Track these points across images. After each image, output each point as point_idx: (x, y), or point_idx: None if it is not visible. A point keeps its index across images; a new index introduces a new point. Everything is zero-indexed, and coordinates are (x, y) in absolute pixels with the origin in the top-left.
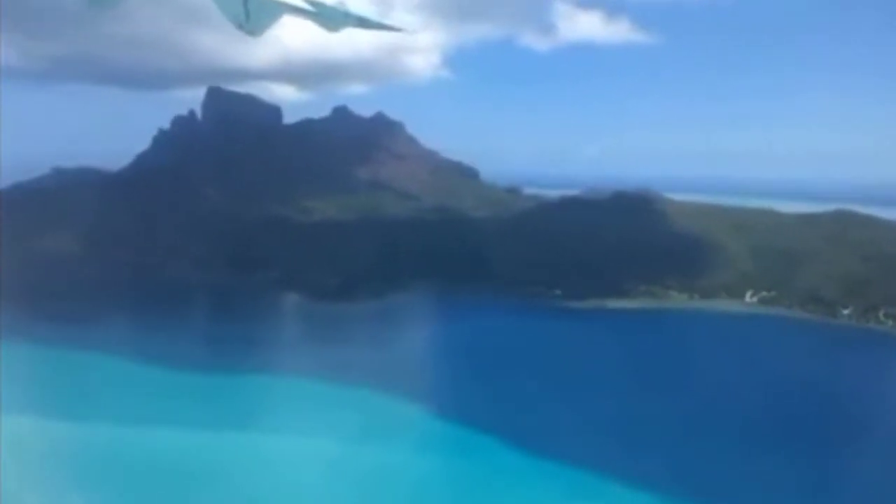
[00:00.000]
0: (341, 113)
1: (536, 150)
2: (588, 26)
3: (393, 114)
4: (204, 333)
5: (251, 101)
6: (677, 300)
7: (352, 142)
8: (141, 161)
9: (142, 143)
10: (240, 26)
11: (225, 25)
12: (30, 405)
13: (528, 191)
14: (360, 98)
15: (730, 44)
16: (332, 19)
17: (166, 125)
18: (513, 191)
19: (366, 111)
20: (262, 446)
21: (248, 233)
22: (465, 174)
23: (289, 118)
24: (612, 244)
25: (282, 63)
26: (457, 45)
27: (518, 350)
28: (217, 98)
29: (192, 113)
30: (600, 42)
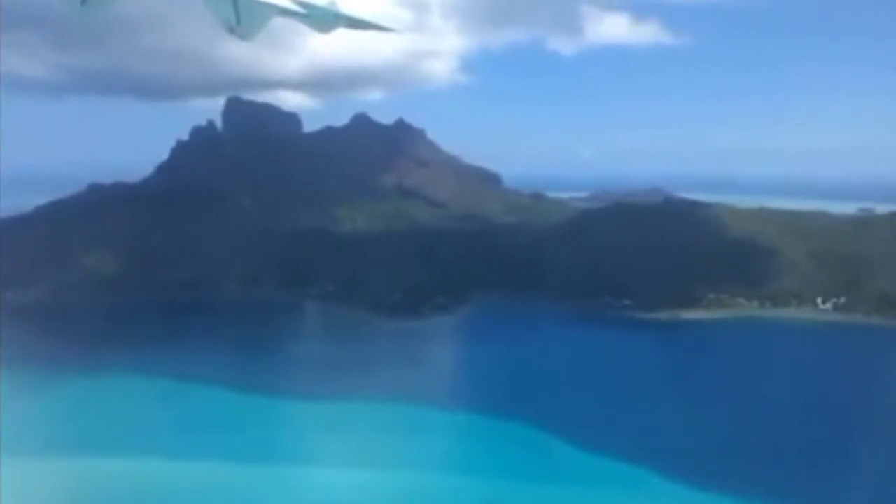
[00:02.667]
0: (361, 120)
1: (558, 153)
2: (616, 28)
3: (412, 119)
4: (273, 355)
5: (270, 111)
6: (748, 308)
7: (374, 149)
8: (168, 174)
9: (162, 155)
10: (231, 30)
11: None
12: (80, 431)
13: (552, 195)
14: (376, 104)
15: (759, 43)
16: (323, 21)
17: (185, 136)
18: (537, 196)
19: (383, 118)
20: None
21: (290, 245)
22: (488, 179)
23: (307, 126)
24: (672, 251)
25: (296, 72)
26: (483, 48)
27: (606, 364)
28: (236, 108)
29: (211, 123)
30: (628, 44)
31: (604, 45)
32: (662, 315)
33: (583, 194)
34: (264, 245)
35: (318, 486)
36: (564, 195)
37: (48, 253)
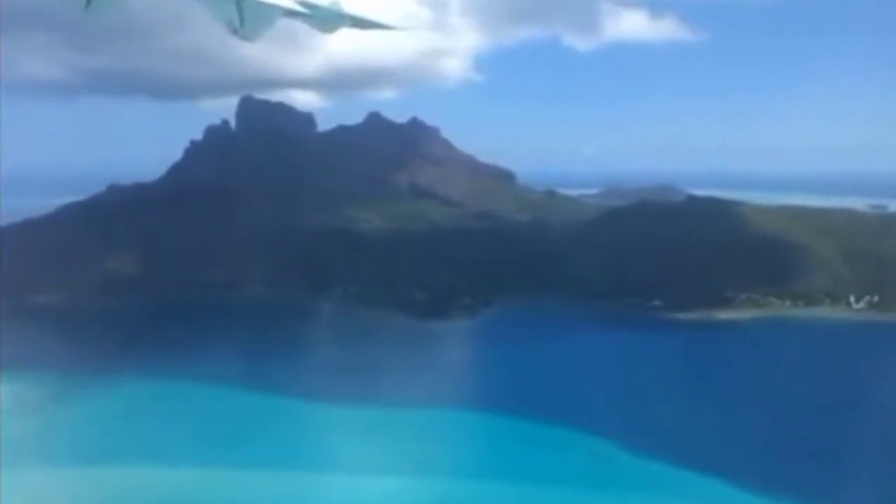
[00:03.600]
0: (375, 119)
1: (569, 150)
2: (633, 25)
3: (426, 118)
4: (302, 359)
5: (284, 110)
6: (781, 308)
7: (388, 148)
8: (182, 174)
9: (176, 155)
10: (234, 31)
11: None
12: (103, 438)
13: (565, 192)
14: (390, 103)
15: (779, 40)
16: (327, 21)
17: (199, 136)
18: (550, 193)
19: (397, 116)
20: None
21: (310, 245)
22: (502, 177)
23: (320, 126)
24: (698, 250)
25: (310, 71)
26: (498, 46)
27: (646, 366)
28: (250, 107)
29: (225, 123)
30: (644, 41)
31: (620, 41)
32: (696, 315)
33: (593, 191)
34: (283, 246)
35: (352, 493)
36: (574, 192)
37: (67, 255)
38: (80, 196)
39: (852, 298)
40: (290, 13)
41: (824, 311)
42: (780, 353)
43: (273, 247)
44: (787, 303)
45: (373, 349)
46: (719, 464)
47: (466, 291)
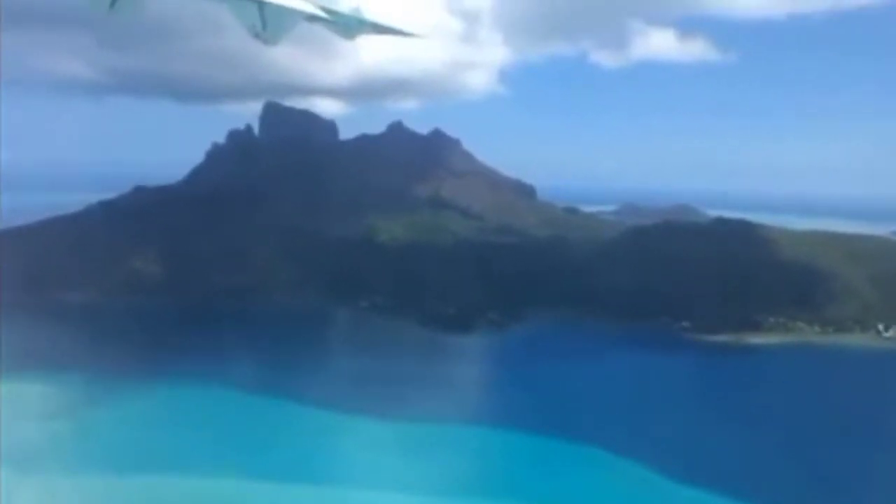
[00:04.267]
0: (397, 129)
1: (583, 167)
2: (661, 43)
3: (448, 130)
4: (332, 368)
5: (307, 117)
6: (810, 334)
7: (410, 159)
8: (205, 177)
9: (199, 158)
10: (256, 35)
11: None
12: (125, 444)
13: (587, 209)
14: (412, 113)
15: (807, 63)
16: (348, 27)
17: (222, 139)
18: (571, 210)
19: (419, 127)
20: None
21: (334, 254)
22: (522, 192)
23: (343, 134)
24: (726, 272)
25: (334, 78)
26: (525, 60)
27: (678, 388)
28: (273, 113)
29: (248, 128)
30: (672, 60)
31: (647, 60)
32: (726, 338)
33: (610, 208)
34: (305, 253)
35: None
36: (592, 209)
37: (92, 255)
38: (103, 194)
39: (881, 326)
40: (312, 18)
41: (854, 339)
42: (811, 380)
43: (295, 254)
44: (817, 328)
45: (400, 361)
46: (749, 488)
47: (493, 306)
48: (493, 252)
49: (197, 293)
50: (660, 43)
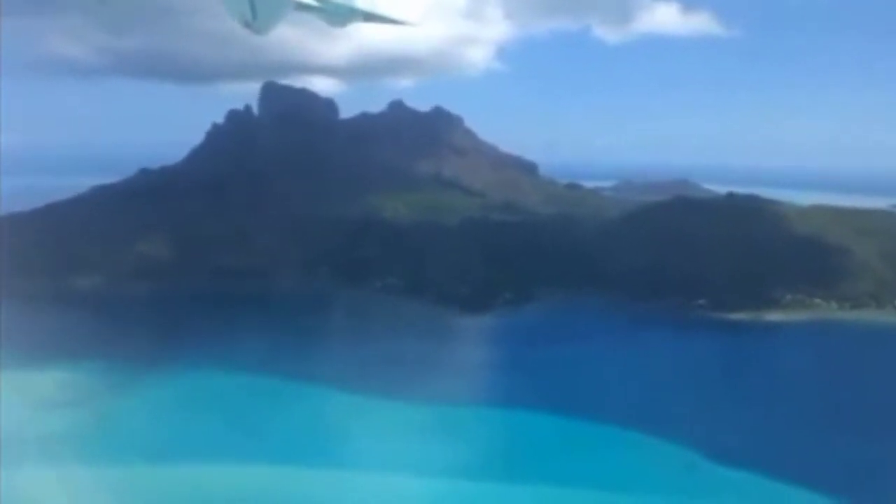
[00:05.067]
0: (397, 107)
1: (593, 142)
2: (665, 18)
3: (449, 107)
4: (353, 352)
5: (306, 96)
6: (827, 310)
7: (411, 137)
8: (205, 158)
9: (198, 138)
10: (246, 24)
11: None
12: (141, 433)
13: (589, 185)
14: (413, 91)
15: (811, 38)
16: (339, 14)
17: (221, 119)
18: (573, 186)
19: (420, 105)
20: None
21: (341, 234)
22: (524, 169)
23: (342, 112)
24: (740, 249)
25: (333, 57)
26: (529, 36)
27: (701, 367)
28: (273, 93)
29: (247, 108)
30: (676, 34)
31: (650, 34)
32: (744, 316)
33: (609, 183)
34: (314, 234)
35: (387, 489)
36: (590, 184)
37: (96, 240)
38: (102, 177)
39: None
40: (302, 6)
41: (871, 315)
42: (837, 358)
43: (302, 234)
44: (834, 305)
45: (421, 343)
46: (769, 466)
47: (507, 286)
48: (503, 231)
49: (205, 276)
50: (664, 17)
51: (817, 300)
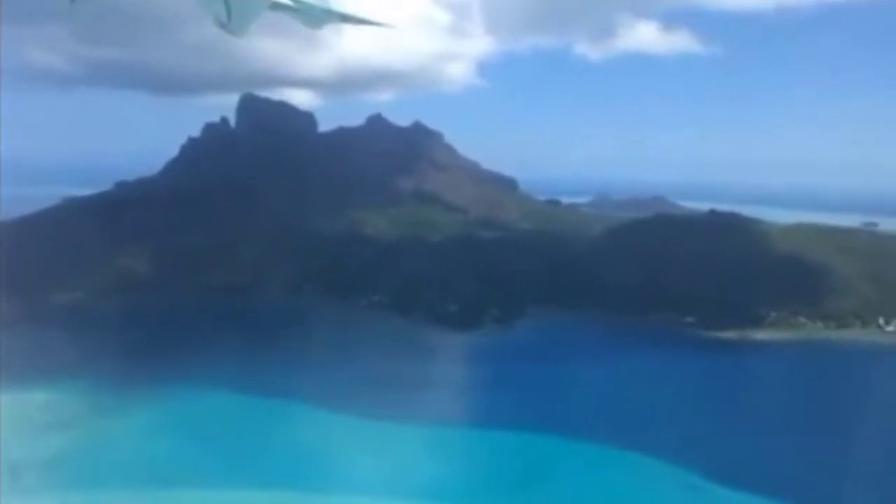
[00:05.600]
0: (377, 121)
1: (573, 159)
2: (645, 36)
3: (429, 122)
4: (342, 372)
5: (285, 109)
6: (813, 329)
7: (391, 151)
8: (181, 170)
9: (173, 150)
10: (222, 25)
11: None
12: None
13: (566, 200)
14: (392, 105)
15: (797, 55)
16: (314, 16)
17: (197, 132)
18: (553, 202)
19: (399, 119)
20: None
21: (320, 250)
22: (505, 185)
23: (321, 126)
24: (724, 266)
25: (313, 70)
26: (509, 52)
27: (693, 387)
28: (251, 105)
29: (225, 120)
30: (656, 52)
31: (632, 52)
32: (731, 335)
33: (583, 199)
34: (295, 249)
35: None
36: (566, 200)
37: (75, 253)
38: (76, 187)
39: (882, 321)
40: (277, 7)
41: (857, 334)
42: (823, 377)
43: (283, 249)
44: (819, 324)
45: (409, 362)
46: (756, 484)
47: (495, 303)
48: (489, 247)
49: (188, 292)
50: (645, 35)
51: (802, 319)
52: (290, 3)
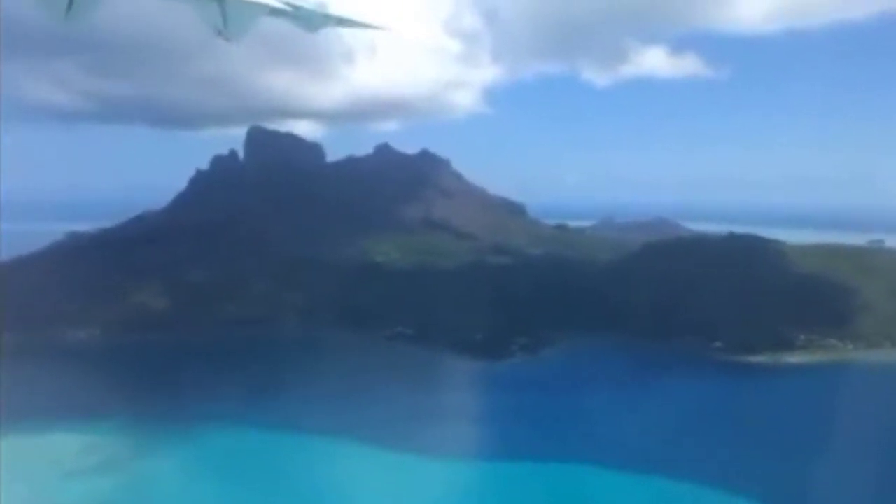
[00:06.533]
0: (384, 150)
1: (575, 182)
2: (653, 61)
3: (436, 150)
4: (376, 406)
5: (294, 140)
6: (843, 351)
7: (399, 180)
8: (191, 204)
9: (181, 184)
10: (218, 32)
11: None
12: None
13: (582, 224)
14: (400, 135)
15: (805, 78)
16: (311, 20)
17: (205, 165)
18: (561, 227)
19: (407, 148)
20: None
21: (335, 279)
22: (513, 210)
23: (329, 156)
24: (747, 289)
25: (313, 101)
26: (517, 80)
27: (732, 412)
28: (259, 138)
29: (233, 153)
30: (664, 77)
31: (639, 77)
32: (763, 359)
33: (587, 223)
34: (310, 280)
35: None
36: (578, 224)
37: (86, 289)
38: (85, 223)
39: None
40: (274, 12)
41: (888, 354)
42: (863, 400)
43: (298, 281)
44: (849, 346)
45: (440, 394)
46: None
47: (520, 331)
48: (503, 275)
49: (202, 326)
50: (653, 60)
51: (832, 340)
52: (287, 8)
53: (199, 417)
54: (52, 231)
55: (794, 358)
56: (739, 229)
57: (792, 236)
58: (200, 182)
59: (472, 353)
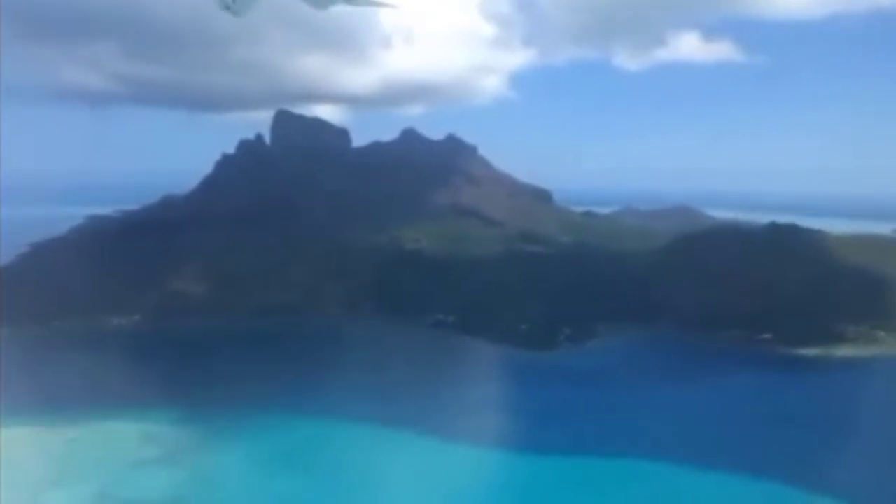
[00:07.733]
0: (410, 135)
1: (605, 170)
2: (687, 47)
3: (463, 135)
4: (433, 397)
5: (320, 125)
6: (893, 344)
7: (426, 166)
8: (218, 187)
9: (207, 167)
10: (226, 7)
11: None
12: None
13: (602, 211)
14: (426, 119)
15: (839, 64)
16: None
17: (232, 149)
18: (589, 214)
19: (433, 133)
20: None
21: (372, 266)
22: (540, 197)
23: (354, 141)
24: (791, 280)
25: (345, 85)
26: (549, 64)
27: (785, 406)
28: (285, 122)
29: (259, 137)
30: (696, 62)
31: (672, 62)
32: (813, 351)
33: (607, 210)
34: (346, 267)
35: None
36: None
37: (122, 275)
38: (111, 206)
39: None
40: None
41: None
42: None
43: (332, 268)
44: None
45: (492, 385)
46: None
47: (565, 321)
48: (542, 263)
49: (244, 314)
50: (687, 45)
51: (881, 333)
52: None
53: (251, 407)
54: (71, 215)
55: (843, 351)
56: (766, 219)
57: (826, 226)
58: (227, 166)
59: (518, 343)
